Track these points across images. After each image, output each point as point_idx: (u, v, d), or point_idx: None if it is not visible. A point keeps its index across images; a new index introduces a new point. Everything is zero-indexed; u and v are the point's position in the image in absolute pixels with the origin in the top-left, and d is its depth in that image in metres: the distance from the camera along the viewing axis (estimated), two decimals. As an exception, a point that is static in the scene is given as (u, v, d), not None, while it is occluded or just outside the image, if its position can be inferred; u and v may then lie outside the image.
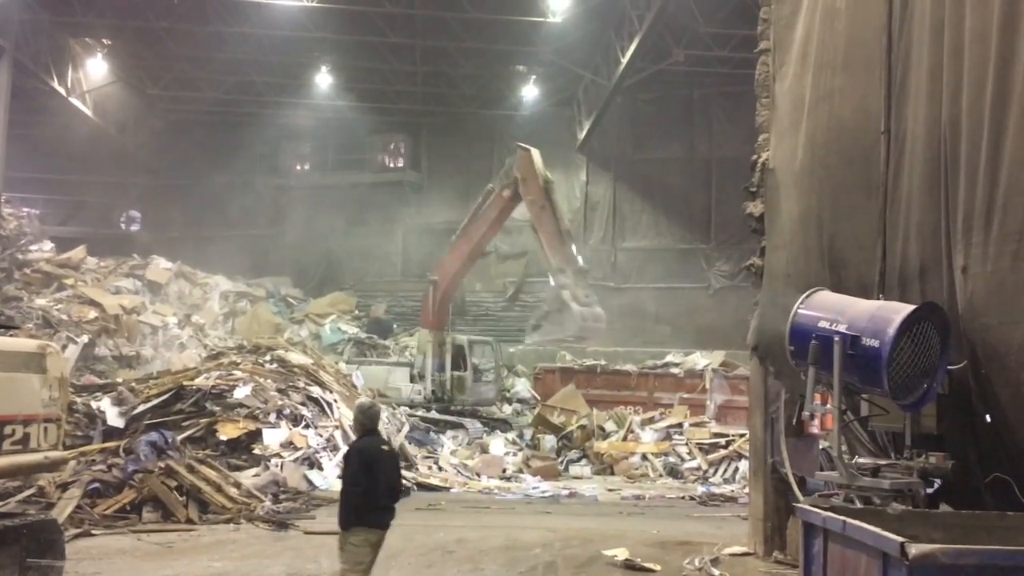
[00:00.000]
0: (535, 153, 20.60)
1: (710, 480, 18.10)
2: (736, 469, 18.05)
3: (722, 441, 19.26)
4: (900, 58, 7.35)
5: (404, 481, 7.12)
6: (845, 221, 7.91)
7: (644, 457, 19.51)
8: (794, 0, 9.38)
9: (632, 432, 20.77)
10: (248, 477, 13.36)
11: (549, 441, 20.57)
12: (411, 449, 18.05)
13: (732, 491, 16.67)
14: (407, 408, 20.66)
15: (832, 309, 6.65)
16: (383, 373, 22.36)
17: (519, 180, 20.65)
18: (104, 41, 28.03)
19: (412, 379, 22.05)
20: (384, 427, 17.05)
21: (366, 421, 6.82)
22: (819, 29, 8.52)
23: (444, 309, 22.54)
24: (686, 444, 19.71)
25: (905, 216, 7.09)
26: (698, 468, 18.82)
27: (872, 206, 7.51)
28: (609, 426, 21.26)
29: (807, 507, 5.29)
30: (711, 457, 18.92)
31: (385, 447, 6.85)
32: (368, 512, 6.48)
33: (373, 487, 6.41)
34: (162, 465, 12.03)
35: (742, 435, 17.62)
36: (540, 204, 20.30)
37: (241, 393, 15.18)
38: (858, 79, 7.84)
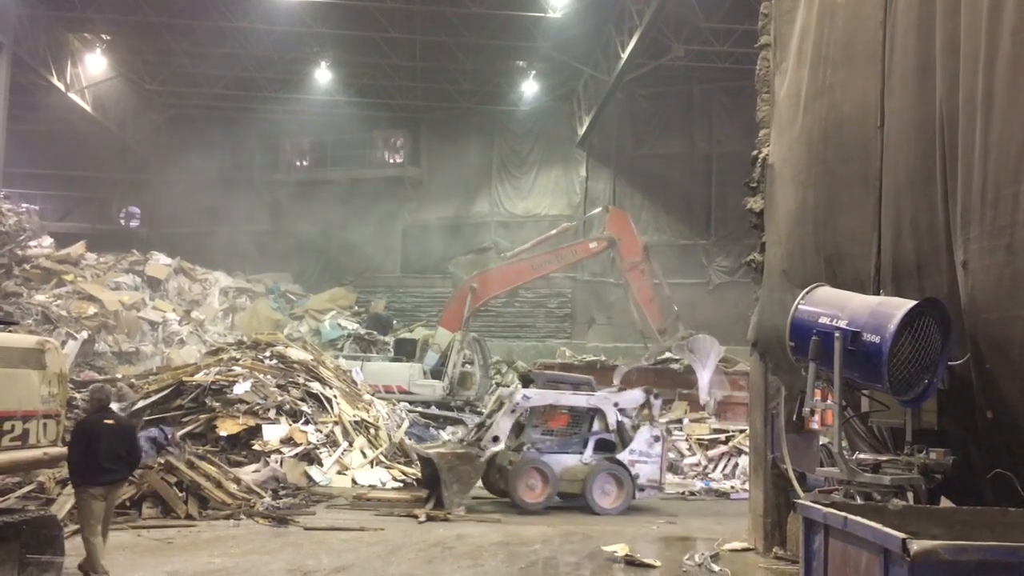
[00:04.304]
0: (627, 215, 22.74)
1: (710, 476, 18.07)
2: (736, 465, 18.03)
3: (722, 437, 19.22)
4: (891, 53, 7.32)
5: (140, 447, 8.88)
6: (844, 216, 7.87)
7: (644, 453, 19.44)
8: (795, -5, 9.34)
9: (632, 428, 20.73)
10: (248, 473, 13.35)
11: (549, 437, 20.55)
12: (411, 444, 18.04)
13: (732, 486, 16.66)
14: (407, 404, 20.69)
15: (832, 305, 6.63)
16: (388, 369, 22.44)
17: (615, 240, 21.99)
18: (103, 36, 27.98)
19: (425, 375, 22.23)
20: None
21: (93, 401, 8.36)
22: (815, 24, 8.49)
23: (472, 314, 23.26)
24: (686, 440, 19.68)
25: (898, 211, 7.07)
26: (698, 464, 18.79)
27: (870, 200, 7.48)
28: (609, 422, 21.21)
29: (808, 503, 5.28)
30: (711, 453, 18.90)
31: (109, 421, 8.13)
32: (88, 472, 7.87)
33: (92, 453, 7.84)
34: (162, 461, 12.05)
35: (742, 431, 17.61)
36: (640, 268, 21.83)
37: (241, 389, 15.18)
38: (858, 74, 7.80)
